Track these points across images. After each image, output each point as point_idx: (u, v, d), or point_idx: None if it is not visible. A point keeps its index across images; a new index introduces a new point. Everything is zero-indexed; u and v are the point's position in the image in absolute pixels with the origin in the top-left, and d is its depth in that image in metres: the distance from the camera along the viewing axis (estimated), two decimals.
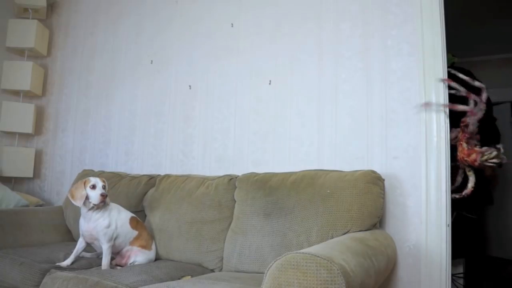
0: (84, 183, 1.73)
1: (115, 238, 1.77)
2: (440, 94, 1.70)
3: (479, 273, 3.48)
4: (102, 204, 1.73)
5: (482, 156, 1.67)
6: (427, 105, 1.71)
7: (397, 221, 1.72)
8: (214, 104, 2.33)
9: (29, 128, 2.88)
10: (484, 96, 1.69)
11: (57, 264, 1.69)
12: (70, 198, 1.72)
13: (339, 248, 1.08)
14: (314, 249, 1.02)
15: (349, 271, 0.93)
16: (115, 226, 1.77)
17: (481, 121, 1.70)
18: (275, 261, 0.96)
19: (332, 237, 1.50)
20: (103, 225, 1.73)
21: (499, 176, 4.01)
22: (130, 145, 2.64)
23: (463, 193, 1.79)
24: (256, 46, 2.23)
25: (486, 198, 3.12)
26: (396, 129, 1.79)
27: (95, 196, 1.71)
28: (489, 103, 2.76)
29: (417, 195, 1.70)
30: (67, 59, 3.04)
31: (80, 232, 1.78)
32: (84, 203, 1.72)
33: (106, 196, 1.74)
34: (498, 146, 1.70)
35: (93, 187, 1.72)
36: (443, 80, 1.69)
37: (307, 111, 2.03)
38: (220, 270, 1.80)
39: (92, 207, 1.73)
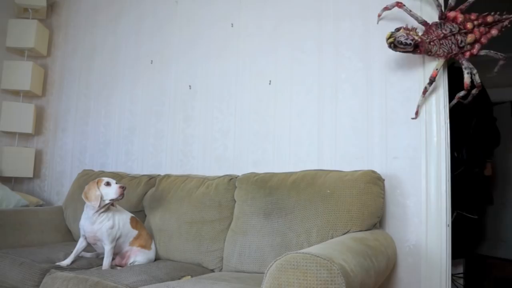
0: (97, 183, 1.73)
1: (117, 238, 1.77)
2: (440, 94, 1.70)
3: (479, 273, 3.48)
4: (121, 198, 1.73)
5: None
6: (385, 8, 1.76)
7: (397, 221, 1.72)
8: (214, 104, 2.33)
9: (29, 128, 2.88)
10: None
11: (57, 263, 1.69)
12: (85, 200, 1.72)
13: (339, 248, 1.08)
14: (314, 249, 1.02)
15: (349, 271, 0.93)
16: (118, 226, 1.78)
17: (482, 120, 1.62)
18: (275, 261, 0.96)
19: (332, 237, 1.50)
20: (107, 226, 1.73)
21: (499, 176, 4.01)
22: (130, 145, 2.64)
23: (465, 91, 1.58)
24: (256, 46, 2.23)
25: (486, 198, 3.12)
26: (396, 129, 1.79)
27: (112, 191, 1.71)
28: (489, 103, 2.76)
29: (417, 195, 1.70)
30: (67, 59, 3.04)
31: (82, 233, 1.78)
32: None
33: (125, 188, 1.74)
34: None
35: (108, 184, 1.73)
36: None
37: (307, 111, 2.02)
38: (220, 270, 1.80)
39: (103, 207, 1.73)
